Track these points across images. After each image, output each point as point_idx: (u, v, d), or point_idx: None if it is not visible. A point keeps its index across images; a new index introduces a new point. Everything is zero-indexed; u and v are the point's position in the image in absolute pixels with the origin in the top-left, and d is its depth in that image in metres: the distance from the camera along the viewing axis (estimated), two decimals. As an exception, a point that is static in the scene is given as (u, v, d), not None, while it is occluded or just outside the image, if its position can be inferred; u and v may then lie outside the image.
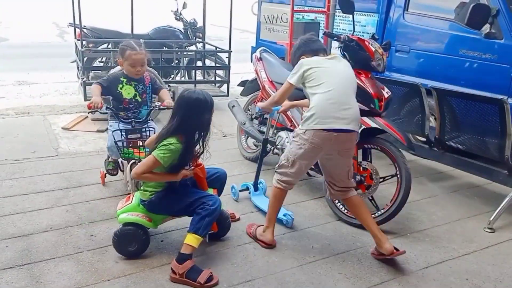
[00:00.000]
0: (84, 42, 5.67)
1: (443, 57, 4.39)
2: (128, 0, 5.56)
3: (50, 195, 3.45)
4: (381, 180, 3.23)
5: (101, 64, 6.49)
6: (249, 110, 4.36)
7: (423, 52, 4.58)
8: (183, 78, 6.68)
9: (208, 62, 6.82)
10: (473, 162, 3.61)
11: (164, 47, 6.51)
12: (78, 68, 6.11)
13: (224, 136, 5.06)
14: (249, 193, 3.56)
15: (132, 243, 2.67)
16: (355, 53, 3.33)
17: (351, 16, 3.83)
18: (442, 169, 4.30)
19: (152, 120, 3.45)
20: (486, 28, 3.99)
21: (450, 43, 4.37)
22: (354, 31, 3.79)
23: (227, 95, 6.08)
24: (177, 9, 6.96)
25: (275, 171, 2.91)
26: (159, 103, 3.29)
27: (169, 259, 2.68)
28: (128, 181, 3.17)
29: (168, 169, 2.57)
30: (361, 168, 3.25)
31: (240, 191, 3.55)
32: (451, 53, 4.32)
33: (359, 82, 3.18)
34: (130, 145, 3.15)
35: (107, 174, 3.60)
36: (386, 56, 3.47)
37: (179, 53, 6.50)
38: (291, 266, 2.70)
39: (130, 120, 3.21)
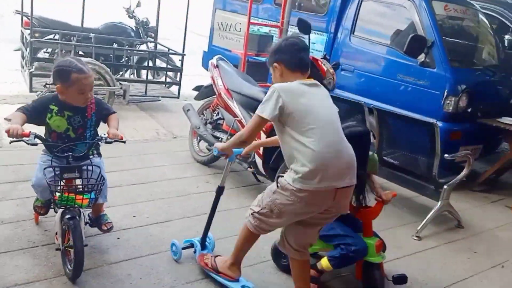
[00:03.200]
0: (32, 31, 5.49)
1: (383, 80, 4.82)
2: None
3: (-3, 188, 3.37)
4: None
5: (46, 55, 6.29)
6: (203, 114, 4.50)
7: (365, 73, 5.00)
8: (132, 76, 6.66)
9: (158, 63, 6.84)
10: (405, 176, 4.02)
11: (115, 44, 6.45)
12: (23, 57, 5.89)
13: (174, 137, 5.14)
14: (194, 252, 2.84)
15: (285, 257, 2.72)
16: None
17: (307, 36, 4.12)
18: (379, 182, 4.70)
19: (96, 155, 2.71)
20: (421, 57, 4.46)
21: (389, 67, 4.81)
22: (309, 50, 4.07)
23: (178, 97, 6.16)
24: (130, 6, 6.93)
25: (252, 214, 2.40)
26: (105, 135, 2.53)
27: (126, 256, 2.76)
28: (56, 233, 2.56)
29: None
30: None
31: (183, 248, 2.82)
32: (390, 76, 4.76)
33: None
34: (67, 187, 2.45)
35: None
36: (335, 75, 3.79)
37: (129, 51, 6.47)
38: (243, 265, 2.85)
39: (66, 154, 2.48)
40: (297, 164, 2.16)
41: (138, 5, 6.83)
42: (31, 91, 5.23)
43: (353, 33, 5.16)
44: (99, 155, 2.75)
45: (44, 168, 2.47)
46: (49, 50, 6.36)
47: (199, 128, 4.25)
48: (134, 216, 3.28)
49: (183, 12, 6.09)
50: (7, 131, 2.31)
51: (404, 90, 4.64)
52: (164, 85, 6.48)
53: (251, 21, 5.36)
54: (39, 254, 2.67)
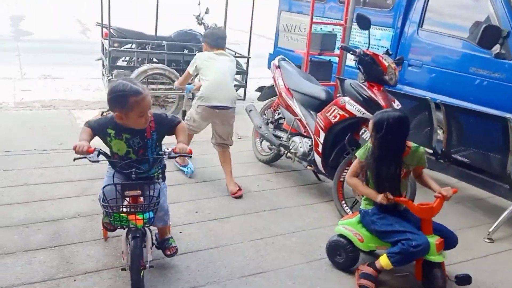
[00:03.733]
0: (111, 42, 5.94)
1: (454, 74, 4.57)
2: (153, 3, 5.82)
3: (77, 184, 3.70)
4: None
5: (124, 63, 6.76)
6: (265, 114, 4.58)
7: (434, 68, 4.77)
8: (201, 80, 6.94)
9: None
10: (476, 175, 3.77)
11: (186, 50, 6.75)
12: (103, 66, 6.39)
13: (239, 138, 5.27)
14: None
15: (341, 254, 2.81)
16: (369, 67, 3.52)
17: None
18: (447, 181, 4.46)
19: (161, 178, 2.57)
20: (496, 48, 4.17)
21: (461, 61, 4.55)
22: (369, 45, 3.99)
23: (244, 99, 6.31)
24: (199, 13, 7.20)
25: (186, 120, 3.95)
26: (170, 149, 2.43)
27: (186, 249, 2.90)
28: (123, 252, 2.48)
29: (373, 184, 2.70)
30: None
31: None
32: (462, 70, 4.50)
33: (372, 95, 3.39)
34: (125, 207, 2.35)
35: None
36: (398, 70, 3.67)
37: (199, 56, 6.74)
38: (299, 262, 2.91)
39: (130, 170, 2.39)
40: (200, 93, 3.78)
41: (206, 11, 7.08)
42: (109, 96, 5.66)
43: (421, 27, 4.95)
44: (164, 178, 2.59)
45: (104, 187, 2.42)
46: (127, 58, 6.82)
47: (260, 127, 4.34)
48: (196, 212, 3.44)
49: (234, 13, 6.20)
50: (74, 148, 2.30)
51: (477, 83, 4.36)
52: (231, 87, 6.64)
53: (314, 20, 5.36)
54: (109, 245, 2.90)
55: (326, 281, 2.75)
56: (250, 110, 4.54)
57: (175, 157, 2.46)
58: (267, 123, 4.45)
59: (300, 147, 3.92)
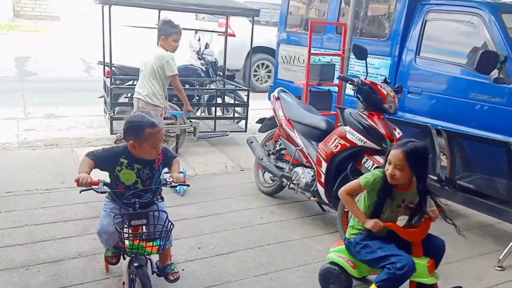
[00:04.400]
0: (112, 79, 6.02)
1: (454, 100, 4.58)
2: (153, 39, 5.93)
3: (78, 223, 3.66)
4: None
5: (126, 99, 6.83)
6: (266, 146, 4.57)
7: (434, 94, 4.78)
8: (203, 114, 6.98)
9: (227, 99, 7.11)
10: (483, 201, 3.71)
11: (187, 85, 6.83)
12: (105, 103, 6.46)
13: (242, 170, 5.25)
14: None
15: (334, 282, 2.77)
16: (368, 96, 3.54)
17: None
18: (454, 207, 4.39)
19: (160, 199, 2.72)
20: (495, 73, 4.19)
21: (460, 87, 4.57)
22: (367, 74, 4.01)
23: (245, 131, 6.33)
24: (199, 49, 7.34)
25: None
26: (170, 179, 2.57)
27: (189, 287, 2.83)
28: (124, 282, 2.56)
29: (369, 211, 2.64)
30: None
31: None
32: (462, 96, 4.51)
33: (372, 123, 3.38)
34: (138, 236, 2.44)
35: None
36: (398, 98, 3.67)
37: (200, 90, 6.82)
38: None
39: (132, 201, 2.46)
40: None
41: (206, 47, 7.22)
42: (111, 133, 5.69)
43: (419, 54, 5.00)
44: (162, 199, 2.75)
45: (114, 216, 2.47)
46: (129, 95, 6.89)
47: (262, 159, 4.32)
48: (199, 248, 3.38)
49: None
50: (76, 181, 2.35)
51: (478, 108, 4.37)
52: (232, 120, 6.70)
53: (312, 51, 5.43)
54: (110, 286, 2.84)
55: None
56: (251, 142, 4.54)
57: (175, 187, 2.64)
58: (269, 154, 4.43)
59: (303, 177, 3.89)
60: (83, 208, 3.94)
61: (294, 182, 3.99)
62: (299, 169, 3.98)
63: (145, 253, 2.43)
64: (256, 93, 6.50)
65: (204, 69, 7.23)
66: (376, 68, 5.35)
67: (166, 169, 2.74)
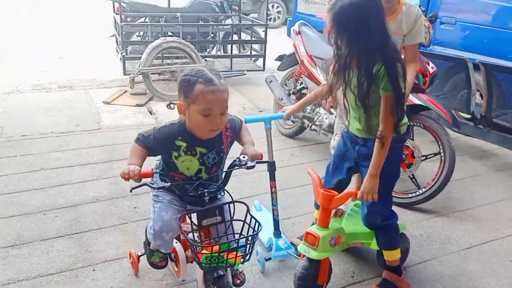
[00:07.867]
0: (122, 16, 5.72)
1: (492, 30, 4.19)
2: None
3: (95, 167, 3.57)
4: (423, 158, 3.17)
5: (139, 38, 6.55)
6: (286, 85, 4.33)
7: (469, 25, 4.39)
8: (218, 52, 6.67)
9: (243, 36, 6.77)
10: (520, 140, 3.48)
11: (200, 21, 6.48)
12: (117, 42, 6.19)
13: (260, 111, 5.05)
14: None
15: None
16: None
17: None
18: (485, 147, 4.17)
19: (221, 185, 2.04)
20: (539, -2, 3.77)
21: (499, 15, 4.16)
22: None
23: (263, 70, 6.04)
24: (214, -18, 6.89)
25: None
26: (245, 157, 1.90)
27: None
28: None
29: None
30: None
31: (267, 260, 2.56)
32: (500, 25, 4.12)
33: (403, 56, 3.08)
34: (216, 243, 1.81)
35: (140, 258, 2.38)
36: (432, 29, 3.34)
37: (215, 26, 6.47)
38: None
39: (200, 192, 1.89)
40: None
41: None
42: (124, 74, 5.48)
43: (454, -21, 4.55)
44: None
45: (180, 217, 1.89)
46: (141, 33, 6.60)
47: (282, 99, 4.09)
48: (219, 192, 3.26)
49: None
50: (123, 175, 1.78)
51: (518, 40, 3.99)
52: (249, 58, 6.39)
53: (336, -20, 4.99)
54: (128, 231, 2.77)
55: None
56: (271, 81, 4.28)
57: (253, 167, 1.90)
58: (289, 94, 4.19)
59: (326, 118, 3.68)
60: (99, 152, 3.84)
61: (316, 123, 3.79)
62: (322, 110, 3.75)
63: (227, 266, 1.84)
64: (269, 30, 6.11)
65: (218, 3, 6.82)
66: (406, -3, 4.91)
67: None
